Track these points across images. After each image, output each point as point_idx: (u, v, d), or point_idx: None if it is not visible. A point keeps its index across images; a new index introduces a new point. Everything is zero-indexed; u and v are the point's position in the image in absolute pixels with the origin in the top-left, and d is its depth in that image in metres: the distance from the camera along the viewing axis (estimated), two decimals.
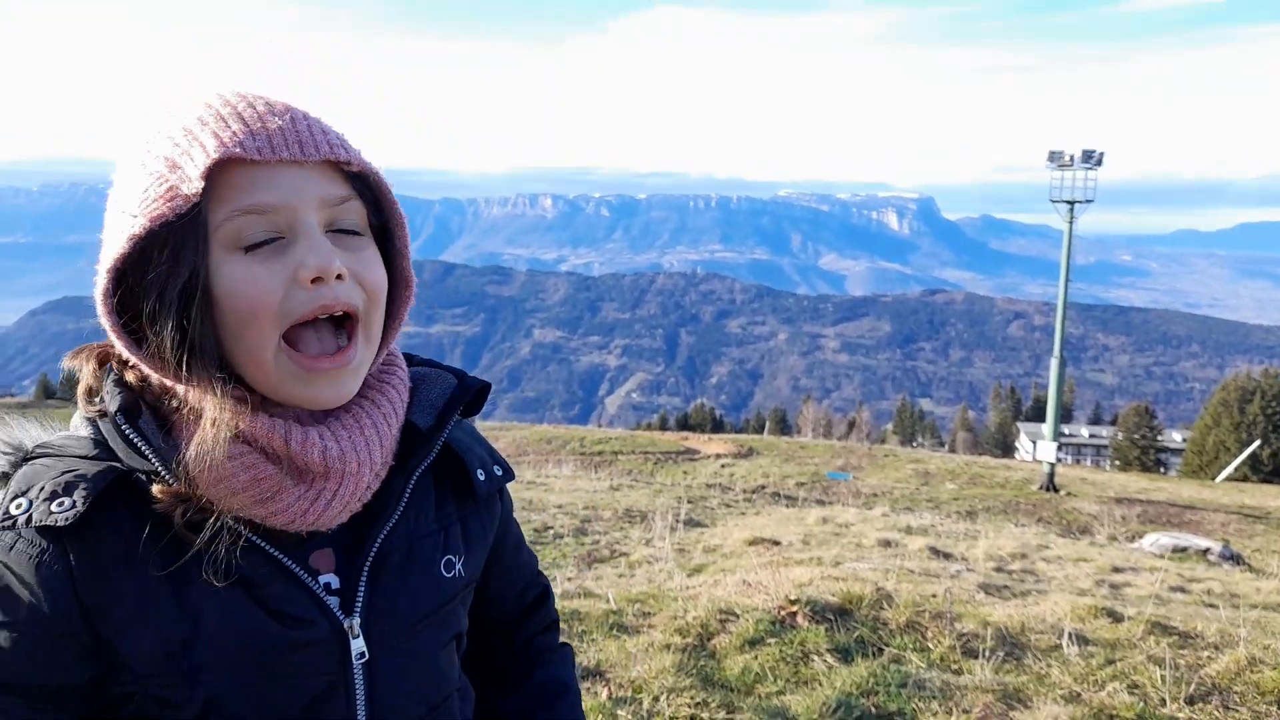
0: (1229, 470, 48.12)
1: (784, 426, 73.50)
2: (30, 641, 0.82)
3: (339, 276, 0.84)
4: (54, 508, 0.81)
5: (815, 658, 3.75)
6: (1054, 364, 28.05)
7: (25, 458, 0.89)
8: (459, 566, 1.00)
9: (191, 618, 0.84)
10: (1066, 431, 69.00)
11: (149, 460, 0.84)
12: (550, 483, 14.46)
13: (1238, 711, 3.45)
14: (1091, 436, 75.75)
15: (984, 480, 27.93)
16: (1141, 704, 3.46)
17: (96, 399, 0.89)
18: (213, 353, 0.84)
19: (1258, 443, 50.57)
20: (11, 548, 0.82)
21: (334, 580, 0.91)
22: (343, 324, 0.88)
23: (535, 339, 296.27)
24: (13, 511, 0.83)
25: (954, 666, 3.77)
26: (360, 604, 0.90)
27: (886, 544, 8.15)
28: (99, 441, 0.87)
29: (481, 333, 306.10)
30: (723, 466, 27.14)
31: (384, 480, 0.93)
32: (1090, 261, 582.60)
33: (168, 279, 0.82)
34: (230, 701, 0.85)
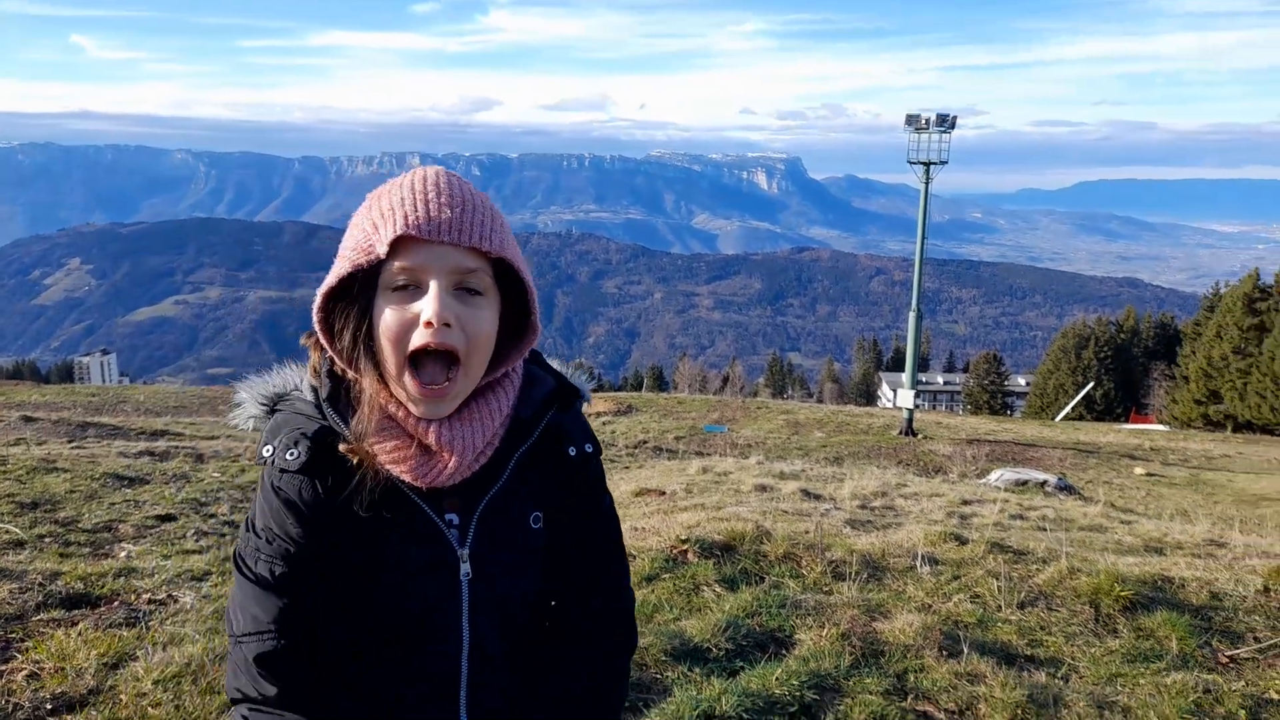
0: (1067, 410, 52.37)
1: (661, 383, 74.86)
2: (300, 533, 1.24)
3: (447, 324, 1.16)
4: (288, 456, 1.23)
5: (705, 588, 4.13)
6: (912, 317, 29.68)
7: (274, 406, 1.30)
8: (542, 521, 1.36)
9: (373, 536, 1.24)
10: (923, 379, 73.14)
11: (341, 428, 1.24)
12: None
13: (1059, 612, 4.05)
14: (946, 383, 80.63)
15: (849, 428, 29.44)
16: (981, 610, 4.01)
17: (318, 374, 1.28)
18: (372, 357, 1.21)
19: (1091, 385, 55.19)
20: (281, 476, 1.25)
21: (455, 518, 1.29)
22: (453, 362, 1.20)
23: None
24: (265, 454, 1.26)
25: (825, 588, 4.23)
26: (471, 539, 1.29)
27: (763, 489, 8.70)
28: (317, 405, 1.27)
29: None
30: (604, 424, 27.55)
31: (496, 454, 1.29)
32: (944, 219, 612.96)
33: (352, 307, 1.21)
34: (394, 590, 1.25)
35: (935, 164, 29.66)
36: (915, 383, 29.67)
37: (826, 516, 7.16)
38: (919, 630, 3.57)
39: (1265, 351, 43.54)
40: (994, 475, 15.77)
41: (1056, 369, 58.76)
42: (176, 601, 3.83)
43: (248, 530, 1.28)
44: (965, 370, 79.60)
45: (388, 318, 1.18)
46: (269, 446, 1.25)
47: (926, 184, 29.66)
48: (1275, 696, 3.27)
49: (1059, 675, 3.37)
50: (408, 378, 1.19)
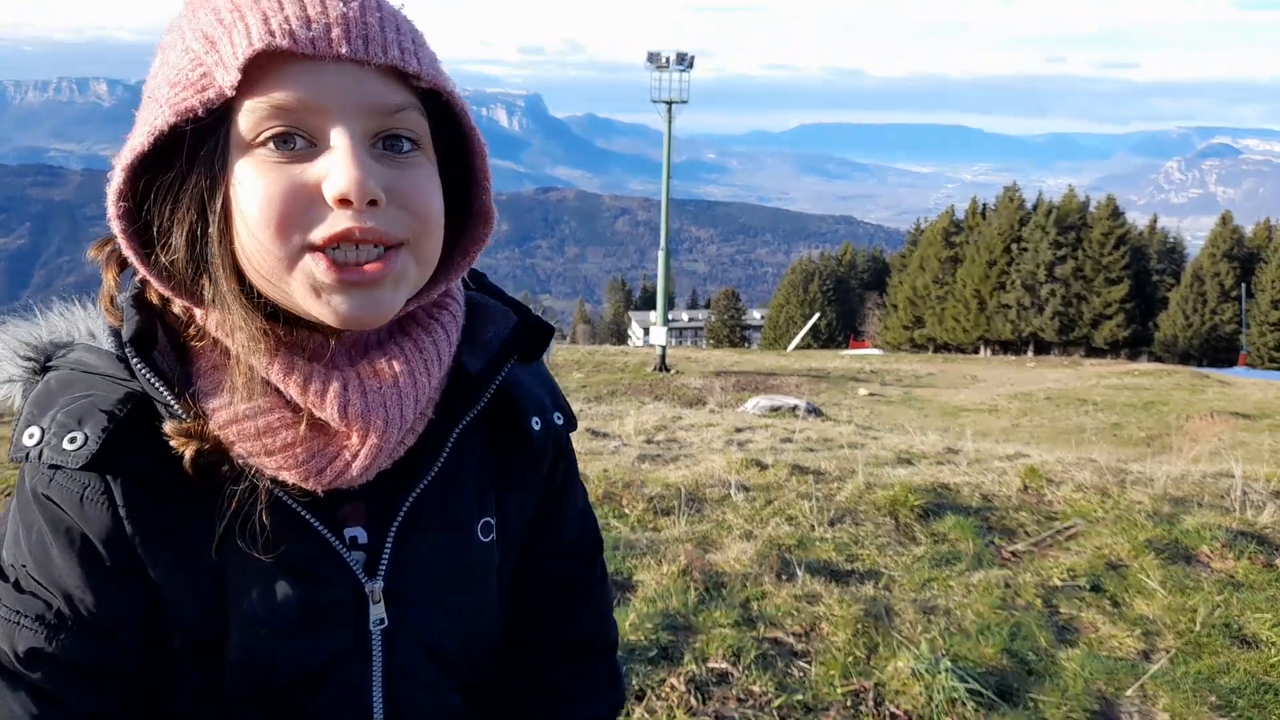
0: (797, 340, 57.09)
1: None
2: (80, 579, 0.75)
3: (374, 202, 0.68)
4: (66, 444, 0.72)
5: None
6: (661, 256, 30.71)
7: (46, 364, 0.80)
8: (496, 531, 0.89)
9: (215, 575, 0.77)
10: (670, 317, 76.71)
11: (161, 395, 0.74)
12: None
13: (865, 525, 4.28)
14: (690, 320, 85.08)
15: (606, 367, 30.14)
16: (798, 531, 4.14)
17: (116, 306, 0.77)
18: (232, 274, 0.70)
19: (817, 315, 60.49)
20: (53, 478, 0.74)
21: (361, 534, 0.82)
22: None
23: None
24: (25, 443, 0.74)
25: (652, 526, 4.18)
26: (385, 565, 0.82)
27: None
28: (121, 358, 0.75)
29: (29, 245, 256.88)
30: None
31: (428, 428, 0.81)
32: (682, 160, 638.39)
33: (183, 184, 0.69)
34: (256, 659, 0.79)
35: (677, 102, 30.48)
36: (667, 320, 30.83)
37: (619, 453, 7.17)
38: (753, 558, 3.61)
39: (959, 280, 49.83)
40: (750, 403, 16.80)
41: (787, 302, 63.78)
42: None
43: None
44: (707, 307, 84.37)
45: (262, 194, 0.67)
46: (33, 429, 0.74)
47: (669, 123, 30.45)
48: (1058, 583, 3.65)
49: (881, 586, 3.55)
50: (311, 260, 0.68)
